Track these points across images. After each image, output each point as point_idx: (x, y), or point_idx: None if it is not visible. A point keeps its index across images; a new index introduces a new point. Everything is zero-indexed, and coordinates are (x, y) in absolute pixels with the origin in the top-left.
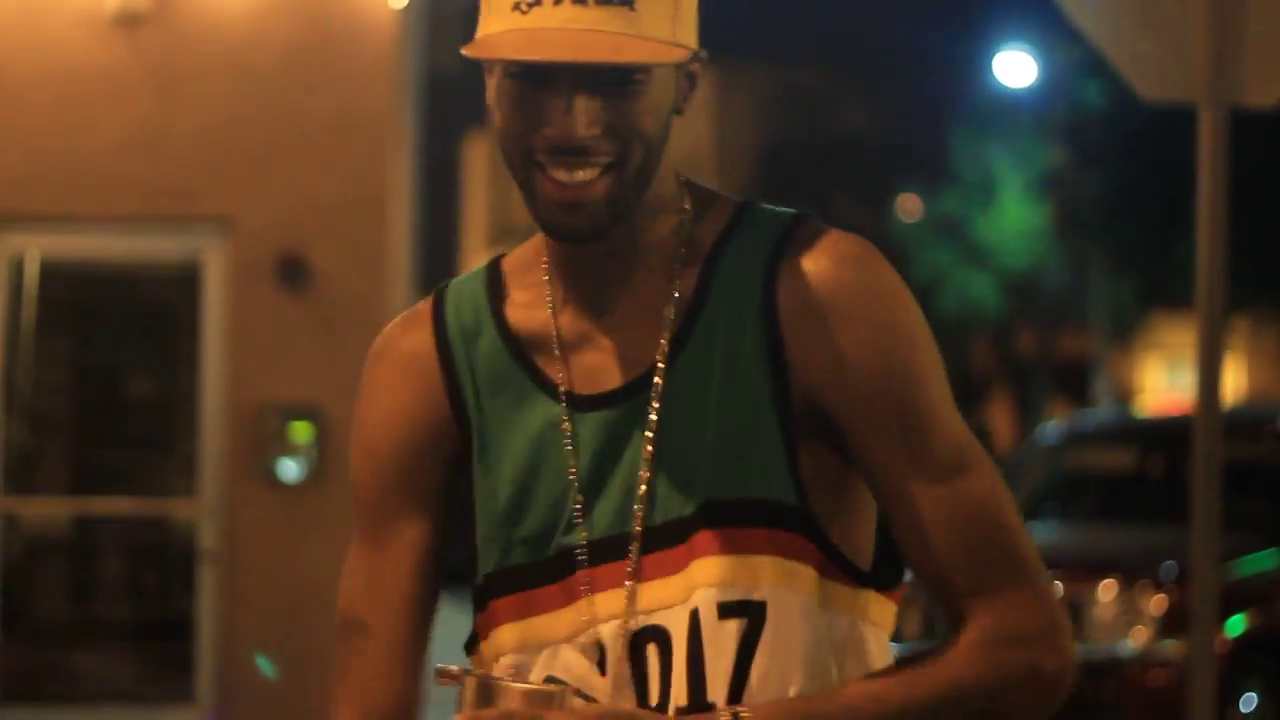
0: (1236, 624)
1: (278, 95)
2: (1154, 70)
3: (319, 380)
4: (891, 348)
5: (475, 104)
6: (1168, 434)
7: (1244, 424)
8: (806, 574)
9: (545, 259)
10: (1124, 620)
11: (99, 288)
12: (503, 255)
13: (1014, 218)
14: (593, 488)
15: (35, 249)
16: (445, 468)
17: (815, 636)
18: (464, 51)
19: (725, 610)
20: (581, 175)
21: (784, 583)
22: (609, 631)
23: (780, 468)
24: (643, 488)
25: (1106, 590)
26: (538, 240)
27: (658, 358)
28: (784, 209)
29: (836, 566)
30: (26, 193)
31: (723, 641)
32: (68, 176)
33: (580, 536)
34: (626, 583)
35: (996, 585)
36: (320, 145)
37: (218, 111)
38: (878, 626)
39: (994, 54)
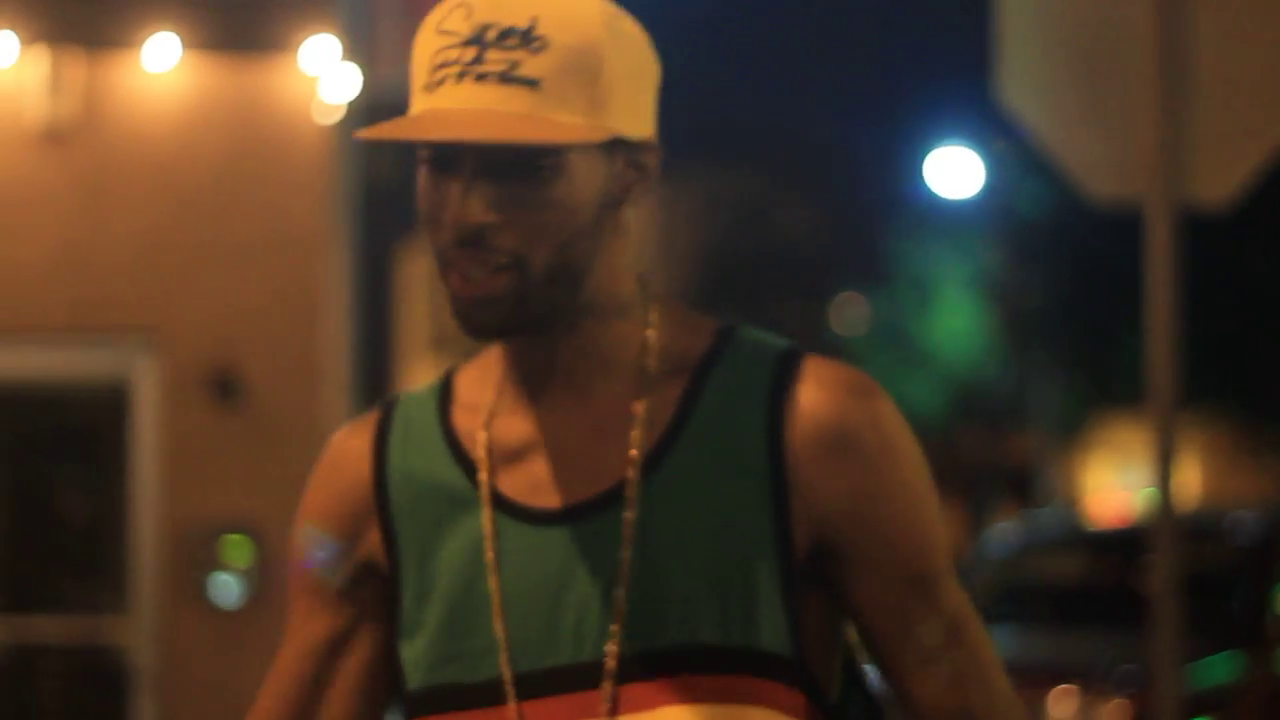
0: None
1: (207, 207)
2: (1101, 167)
3: (254, 495)
4: (907, 485)
5: (412, 211)
6: (1117, 541)
7: (1196, 528)
8: None
9: (501, 365)
10: None
11: (27, 404)
12: (460, 364)
13: (954, 319)
14: (530, 611)
15: None
16: (357, 569)
17: None
18: (357, 134)
19: None
20: (479, 274)
21: None
22: None
23: (778, 615)
24: (594, 617)
25: (1064, 696)
26: (496, 348)
27: (628, 475)
28: (773, 336)
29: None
30: None
31: None
32: None
33: (506, 660)
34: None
35: None
36: (251, 257)
37: (146, 224)
38: None
39: (929, 155)
